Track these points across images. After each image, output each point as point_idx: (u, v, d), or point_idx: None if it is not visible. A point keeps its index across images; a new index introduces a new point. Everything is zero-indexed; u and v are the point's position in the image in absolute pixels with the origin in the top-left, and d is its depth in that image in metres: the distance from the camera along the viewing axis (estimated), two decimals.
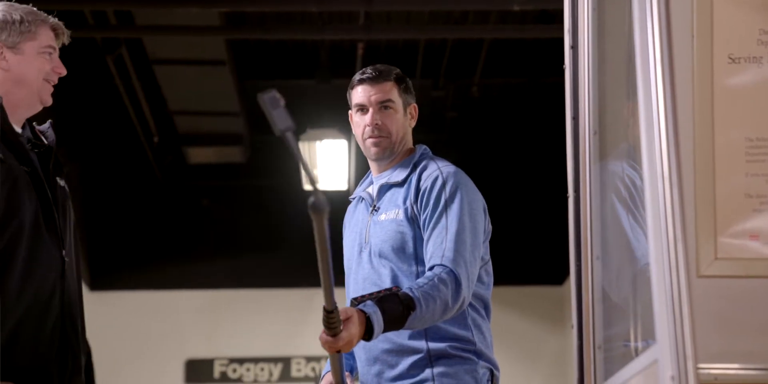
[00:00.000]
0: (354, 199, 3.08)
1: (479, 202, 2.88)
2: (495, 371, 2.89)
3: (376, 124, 2.94)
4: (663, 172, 1.97)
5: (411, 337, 2.82)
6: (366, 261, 2.90)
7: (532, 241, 8.82)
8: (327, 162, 7.83)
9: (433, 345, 2.81)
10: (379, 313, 2.59)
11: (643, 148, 2.05)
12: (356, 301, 2.63)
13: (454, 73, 7.78)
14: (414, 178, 2.91)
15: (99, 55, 7.07)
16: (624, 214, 2.40)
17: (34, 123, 2.80)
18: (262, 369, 9.06)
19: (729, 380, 2.08)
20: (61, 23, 2.78)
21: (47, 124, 2.81)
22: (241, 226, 9.30)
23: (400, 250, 2.84)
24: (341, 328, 2.51)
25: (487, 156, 8.64)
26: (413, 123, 3.03)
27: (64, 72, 2.74)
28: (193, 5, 6.32)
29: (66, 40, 2.79)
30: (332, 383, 2.86)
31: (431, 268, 2.75)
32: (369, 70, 3.00)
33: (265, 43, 7.71)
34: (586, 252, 2.54)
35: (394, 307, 2.61)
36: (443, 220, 2.80)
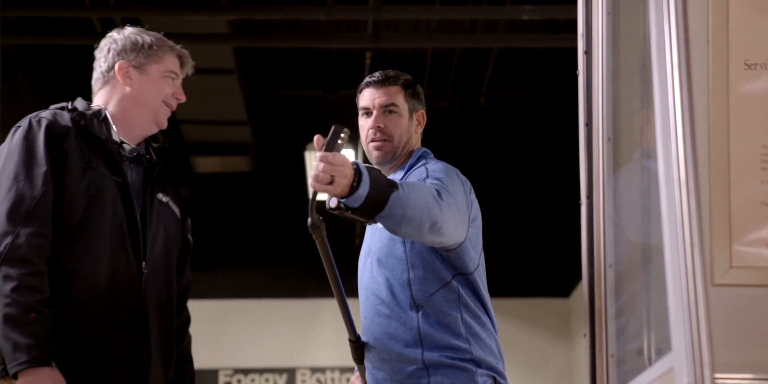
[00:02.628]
0: None
1: (462, 195, 2.75)
2: (499, 379, 2.81)
3: (378, 127, 2.90)
4: (679, 179, 1.95)
5: (407, 346, 2.77)
6: (368, 269, 2.87)
7: (539, 252, 8.80)
8: None
9: (428, 355, 2.75)
10: (366, 171, 2.43)
11: (660, 154, 2.03)
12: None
13: (461, 83, 7.78)
14: (405, 178, 2.85)
15: None
16: (638, 221, 2.38)
17: (156, 144, 2.90)
18: (267, 380, 9.03)
19: None
20: (186, 52, 2.92)
21: (162, 144, 2.89)
22: (246, 235, 9.29)
23: (391, 255, 2.80)
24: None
25: (494, 167, 8.63)
26: (420, 129, 2.99)
27: (183, 98, 2.86)
28: (201, 13, 6.32)
29: (190, 70, 2.92)
30: None
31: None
32: (377, 74, 2.97)
33: (273, 52, 7.70)
34: (599, 259, 2.52)
35: (380, 178, 2.46)
36: (428, 180, 2.73)
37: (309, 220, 2.35)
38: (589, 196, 2.55)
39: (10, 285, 2.50)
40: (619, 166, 2.51)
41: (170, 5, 6.25)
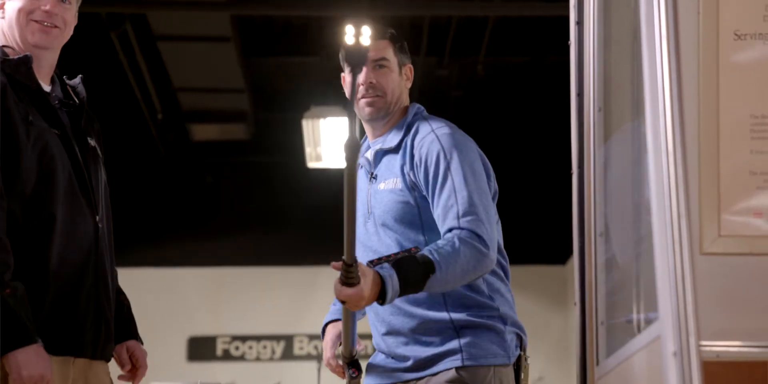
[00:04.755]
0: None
1: (478, 160, 2.76)
2: (523, 336, 2.79)
3: (371, 82, 2.81)
4: (667, 149, 1.97)
5: (431, 308, 2.71)
6: (372, 232, 2.79)
7: (535, 220, 8.82)
8: (331, 139, 7.82)
9: (455, 315, 2.70)
10: (395, 276, 2.48)
11: (648, 124, 2.04)
12: (372, 264, 2.53)
13: (459, 51, 7.76)
14: (408, 142, 2.78)
15: (103, 31, 7.05)
16: (628, 190, 2.40)
17: (65, 77, 2.76)
18: (265, 347, 9.08)
19: (731, 357, 2.08)
20: None
21: (78, 79, 2.77)
22: (245, 203, 9.31)
23: (403, 220, 2.73)
24: (358, 283, 2.42)
25: (492, 135, 8.63)
26: (409, 84, 2.92)
27: (49, 9, 2.63)
28: None
29: None
30: (336, 336, 2.82)
31: (448, 231, 2.63)
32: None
33: (270, 20, 7.68)
34: (589, 229, 2.54)
35: (413, 269, 2.50)
36: (449, 183, 2.67)
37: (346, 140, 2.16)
38: (580, 166, 2.57)
39: None
40: (610, 136, 2.52)
41: None
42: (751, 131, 2.18)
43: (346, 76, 2.92)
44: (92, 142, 2.70)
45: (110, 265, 2.70)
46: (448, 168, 2.68)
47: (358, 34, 2.14)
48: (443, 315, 2.70)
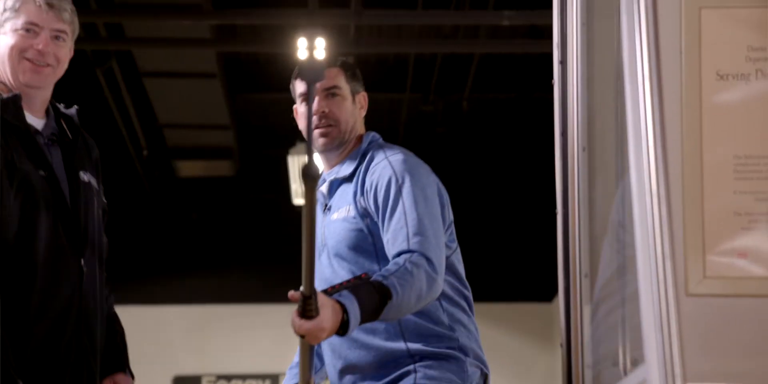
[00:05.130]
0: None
1: (433, 185, 2.68)
2: (485, 370, 2.70)
3: (323, 111, 2.71)
4: (651, 189, 1.96)
5: (388, 339, 2.64)
6: (326, 263, 2.70)
7: (520, 257, 8.80)
8: None
9: (412, 346, 2.62)
10: (355, 303, 2.36)
11: (632, 164, 2.03)
12: (328, 293, 2.39)
13: (444, 87, 7.78)
14: (362, 170, 2.70)
15: (89, 68, 7.04)
16: (613, 230, 2.38)
17: (61, 106, 2.72)
18: None
19: None
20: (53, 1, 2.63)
21: (74, 110, 2.72)
22: (231, 240, 9.27)
23: (357, 248, 2.65)
24: (317, 314, 2.30)
25: (477, 171, 8.63)
26: (363, 112, 2.82)
27: (42, 48, 2.59)
28: (183, 18, 6.31)
29: (68, 17, 2.64)
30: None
31: (397, 255, 2.54)
32: None
33: (255, 56, 7.70)
34: (574, 269, 2.52)
35: (370, 296, 2.39)
36: (399, 207, 2.59)
37: (305, 166, 2.06)
38: (565, 206, 2.56)
39: None
40: (595, 175, 2.51)
41: (153, 10, 6.24)
42: (734, 172, 2.17)
43: (298, 107, 2.81)
44: (85, 177, 2.66)
45: (98, 301, 2.65)
46: (399, 192, 2.61)
47: (311, 47, 2.02)
48: (400, 345, 2.63)
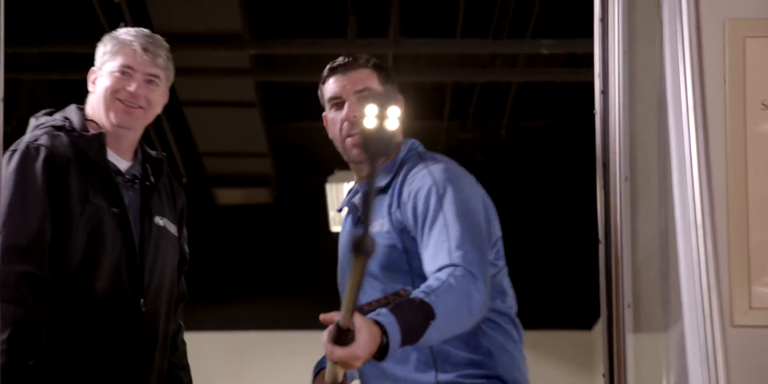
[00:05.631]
0: (341, 210, 2.61)
1: (477, 197, 2.40)
2: None
3: (355, 116, 2.45)
4: (696, 221, 1.95)
5: (417, 370, 2.35)
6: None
7: (561, 285, 8.75)
8: None
9: (443, 377, 2.33)
10: (396, 325, 2.04)
11: (676, 195, 2.02)
12: (366, 309, 2.09)
13: (482, 115, 7.78)
14: (398, 180, 2.42)
15: None
16: (657, 261, 2.37)
17: (153, 152, 2.78)
18: None
19: None
20: (141, 42, 2.69)
21: (162, 156, 2.78)
22: (269, 267, 9.30)
23: (389, 267, 2.37)
24: (352, 341, 1.98)
25: (516, 199, 8.61)
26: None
27: (134, 90, 2.65)
28: (222, 47, 6.37)
29: (158, 59, 2.70)
30: None
31: (438, 270, 2.22)
32: (340, 58, 2.53)
33: (293, 85, 7.75)
34: (617, 299, 2.50)
35: (412, 316, 2.07)
36: (440, 219, 2.30)
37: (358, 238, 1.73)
38: (607, 236, 2.54)
39: (7, 330, 2.40)
40: (637, 205, 2.50)
41: (193, 40, 6.30)
42: None
43: (327, 114, 2.56)
44: (161, 222, 2.71)
45: (160, 347, 2.67)
46: (440, 203, 2.32)
47: (382, 116, 1.71)
48: (429, 378, 2.34)
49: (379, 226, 2.40)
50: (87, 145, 2.62)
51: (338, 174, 7.77)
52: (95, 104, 2.70)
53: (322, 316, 2.03)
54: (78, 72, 6.76)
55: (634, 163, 2.51)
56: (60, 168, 2.56)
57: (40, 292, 2.48)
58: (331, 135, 2.56)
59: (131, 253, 2.61)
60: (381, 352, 2.03)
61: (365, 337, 1.98)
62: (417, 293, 2.12)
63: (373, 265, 2.37)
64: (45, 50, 6.53)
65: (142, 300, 2.61)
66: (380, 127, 1.70)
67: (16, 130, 6.22)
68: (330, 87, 2.52)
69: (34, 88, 6.79)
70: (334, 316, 1.98)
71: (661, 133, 2.39)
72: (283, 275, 9.22)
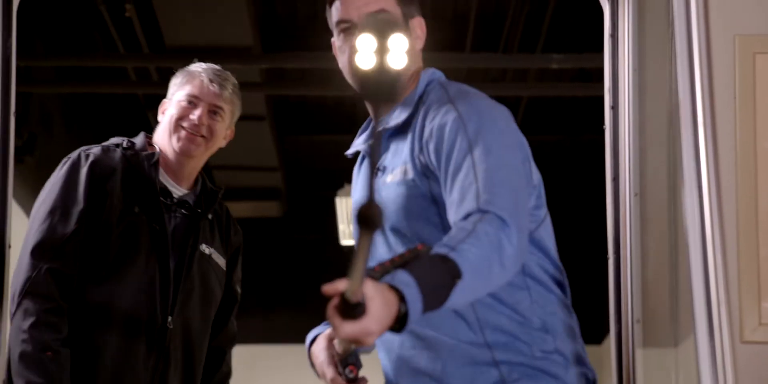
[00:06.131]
0: (352, 154, 2.22)
1: (512, 132, 2.00)
2: (591, 375, 2.01)
3: None
4: (706, 236, 1.95)
5: (467, 339, 1.94)
6: (380, 241, 2.03)
7: (570, 299, 8.74)
8: None
9: (500, 354, 1.92)
10: (416, 288, 1.67)
11: (687, 211, 2.02)
12: (378, 271, 1.70)
13: None
14: (419, 117, 2.03)
15: (140, 111, 7.14)
16: (666, 277, 2.37)
17: (212, 185, 2.84)
18: None
19: None
20: (207, 76, 2.78)
21: (219, 191, 2.84)
22: (277, 280, 9.30)
23: (419, 220, 1.98)
24: (363, 313, 1.63)
25: None
26: (420, 44, 2.14)
27: (196, 120, 2.73)
28: (233, 61, 6.39)
29: (219, 89, 2.77)
30: (331, 351, 1.98)
31: (465, 218, 1.83)
32: None
33: (303, 99, 7.77)
34: (626, 315, 2.50)
35: (434, 276, 1.70)
36: (467, 158, 1.90)
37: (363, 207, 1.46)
38: (617, 251, 2.55)
39: (28, 321, 2.51)
40: (647, 221, 2.50)
41: (204, 54, 6.33)
42: None
43: (335, 40, 2.12)
44: (207, 250, 2.76)
45: (184, 371, 2.70)
46: (466, 139, 1.93)
47: (382, 51, 1.38)
48: (480, 347, 1.94)
49: (402, 173, 2.02)
50: (139, 162, 2.71)
51: (347, 187, 7.78)
52: (161, 132, 2.79)
53: (326, 287, 1.66)
54: (89, 85, 6.80)
55: (644, 178, 2.51)
56: (104, 176, 2.66)
57: (67, 288, 2.56)
58: (340, 65, 2.14)
59: (164, 270, 2.66)
60: (399, 323, 1.67)
61: (379, 308, 1.63)
62: (438, 248, 1.75)
63: (399, 218, 1.99)
64: (57, 64, 6.56)
65: (170, 317, 2.65)
66: (380, 67, 1.39)
67: (27, 142, 6.25)
68: (337, 7, 2.08)
69: (45, 102, 6.83)
70: (340, 286, 1.63)
71: (671, 149, 2.39)
72: (292, 288, 9.22)
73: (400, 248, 1.99)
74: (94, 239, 2.61)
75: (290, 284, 9.24)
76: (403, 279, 1.67)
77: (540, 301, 1.99)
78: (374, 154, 1.48)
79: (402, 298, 1.66)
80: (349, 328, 1.64)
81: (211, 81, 2.78)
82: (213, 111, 2.77)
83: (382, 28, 1.39)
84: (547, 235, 2.06)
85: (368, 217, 1.41)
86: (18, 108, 2.56)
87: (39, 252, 2.57)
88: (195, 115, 2.75)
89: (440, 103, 2.01)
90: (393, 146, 2.06)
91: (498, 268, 1.77)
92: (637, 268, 2.48)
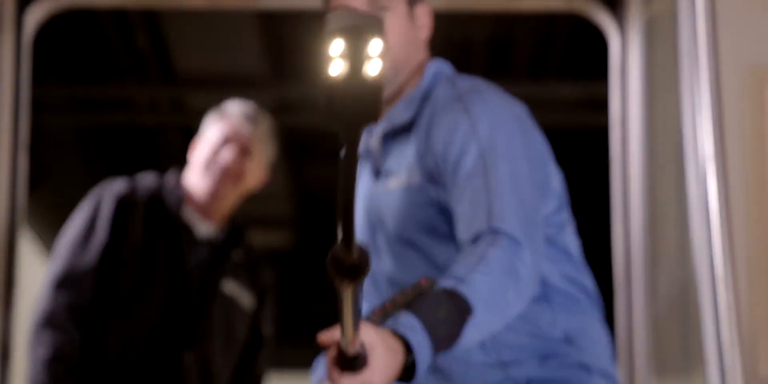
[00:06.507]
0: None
1: (528, 135, 1.81)
2: None
3: None
4: (717, 272, 1.92)
5: (477, 356, 1.79)
6: (385, 251, 1.83)
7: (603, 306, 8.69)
8: None
9: (515, 370, 1.78)
10: (423, 333, 1.49)
11: (696, 247, 2.00)
12: (379, 314, 1.55)
13: None
14: (425, 115, 1.82)
15: (151, 139, 7.15)
16: (677, 313, 2.33)
17: (238, 224, 2.83)
18: None
19: None
20: (249, 116, 2.79)
21: (244, 231, 2.85)
22: (289, 310, 9.28)
23: (430, 230, 1.79)
24: (364, 364, 1.46)
25: None
26: (424, 34, 1.87)
27: (226, 159, 2.72)
28: (245, 89, 6.40)
29: (260, 136, 2.78)
30: None
31: (475, 239, 1.65)
32: None
33: (315, 128, 7.78)
34: (637, 350, 2.47)
35: (442, 315, 1.52)
36: (479, 168, 1.71)
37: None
38: (627, 286, 2.52)
39: (42, 351, 2.54)
40: (657, 255, 2.47)
41: (215, 83, 6.34)
42: None
43: None
44: (228, 290, 2.74)
45: None
46: (477, 145, 1.73)
47: (358, 57, 1.15)
48: (491, 364, 1.79)
49: (407, 177, 1.81)
50: (164, 196, 2.72)
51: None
52: (192, 170, 2.78)
53: (321, 336, 1.50)
54: (101, 115, 6.81)
55: (653, 212, 2.49)
56: (128, 208, 2.67)
57: (84, 321, 2.59)
58: None
59: (180, 307, 2.66)
60: (407, 372, 1.48)
61: (381, 358, 1.45)
62: (445, 281, 1.56)
63: (408, 228, 1.79)
64: (69, 94, 6.58)
65: (185, 355, 2.66)
66: (353, 76, 1.12)
67: (39, 171, 6.26)
68: None
69: (58, 131, 6.84)
70: (336, 335, 1.46)
71: (680, 183, 2.36)
72: (303, 318, 9.19)
73: (409, 261, 1.80)
74: (113, 273, 2.63)
75: (301, 313, 9.21)
76: (408, 322, 1.49)
77: (563, 312, 1.79)
78: (351, 160, 1.22)
79: (408, 345, 1.48)
80: (349, 381, 1.46)
81: (244, 122, 2.76)
82: (244, 151, 2.75)
83: (356, 29, 1.12)
84: (570, 239, 1.87)
85: (350, 267, 1.15)
86: (30, 137, 2.59)
87: (58, 284, 2.59)
88: (226, 154, 2.73)
89: (449, 102, 1.80)
90: (395, 147, 1.85)
91: (514, 298, 1.60)
92: (646, 303, 2.46)
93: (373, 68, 1.13)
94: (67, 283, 2.59)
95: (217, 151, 2.74)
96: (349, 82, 1.13)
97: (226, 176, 2.73)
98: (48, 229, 5.04)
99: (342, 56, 1.12)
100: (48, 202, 5.91)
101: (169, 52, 6.08)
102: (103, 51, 6.46)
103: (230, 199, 2.79)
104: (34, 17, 2.55)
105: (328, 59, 1.12)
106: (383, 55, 1.12)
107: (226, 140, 2.74)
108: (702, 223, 2.03)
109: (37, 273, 2.99)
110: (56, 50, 6.34)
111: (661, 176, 2.49)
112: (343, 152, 1.16)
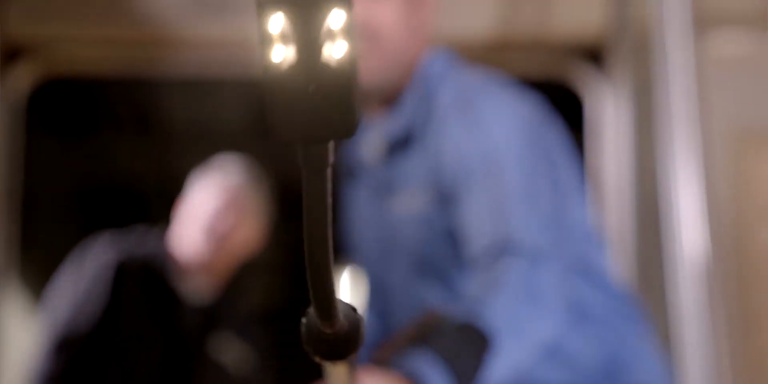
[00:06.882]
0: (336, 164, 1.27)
1: (544, 131, 1.58)
2: None
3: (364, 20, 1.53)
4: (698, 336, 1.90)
5: None
6: (400, 280, 1.63)
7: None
8: None
9: None
10: (440, 370, 1.31)
11: (682, 313, 1.99)
12: (381, 357, 1.36)
13: None
14: (428, 120, 1.59)
15: (137, 198, 7.13)
16: None
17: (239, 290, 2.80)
18: None
19: None
20: (238, 180, 2.72)
21: (233, 293, 2.78)
22: (287, 368, 9.22)
23: (448, 258, 1.57)
24: None
25: None
26: (426, 15, 1.61)
27: (218, 227, 2.64)
28: (232, 147, 6.40)
29: (249, 201, 2.71)
30: None
31: (487, 253, 1.45)
32: None
33: None
34: None
35: (457, 354, 1.31)
36: (491, 168, 1.50)
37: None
38: None
39: None
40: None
41: (201, 142, 6.33)
42: None
43: None
44: (223, 358, 2.70)
45: None
46: (488, 152, 1.52)
47: (314, 40, 0.70)
48: None
49: (419, 196, 1.57)
50: (162, 266, 2.65)
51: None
52: (181, 231, 2.69)
53: None
54: (97, 174, 6.77)
55: (641, 277, 2.48)
56: (125, 276, 2.62)
57: (70, 379, 2.57)
58: None
59: (173, 369, 2.63)
60: None
61: None
62: (461, 313, 1.37)
63: (427, 253, 1.57)
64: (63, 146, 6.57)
65: None
66: (306, 64, 0.68)
67: (31, 229, 6.22)
68: None
69: (50, 190, 6.83)
70: None
71: (666, 242, 2.36)
72: (305, 376, 9.11)
73: (425, 288, 1.57)
74: (107, 338, 2.60)
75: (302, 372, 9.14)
76: (423, 362, 1.29)
77: (596, 339, 1.55)
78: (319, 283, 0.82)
79: None
80: None
81: (232, 186, 2.68)
82: (233, 215, 2.66)
83: None
84: (598, 255, 1.60)
85: (334, 343, 0.83)
86: (21, 194, 2.59)
87: (55, 345, 2.57)
88: (214, 219, 2.65)
89: (455, 108, 1.57)
90: (397, 159, 1.61)
91: (539, 322, 1.38)
92: None
93: (337, 51, 0.67)
94: (63, 346, 2.58)
95: (205, 216, 2.66)
96: (300, 75, 0.67)
97: (216, 241, 2.66)
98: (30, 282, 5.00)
99: (284, 36, 0.67)
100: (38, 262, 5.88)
101: (154, 111, 6.09)
102: (98, 105, 6.48)
103: (223, 261, 2.71)
104: (18, 82, 2.56)
105: (268, 42, 0.67)
106: (350, 32, 0.66)
107: (216, 204, 2.67)
108: (685, 284, 2.02)
109: (21, 329, 2.99)
110: (52, 105, 6.34)
111: (646, 237, 2.48)
112: (305, 186, 0.71)
